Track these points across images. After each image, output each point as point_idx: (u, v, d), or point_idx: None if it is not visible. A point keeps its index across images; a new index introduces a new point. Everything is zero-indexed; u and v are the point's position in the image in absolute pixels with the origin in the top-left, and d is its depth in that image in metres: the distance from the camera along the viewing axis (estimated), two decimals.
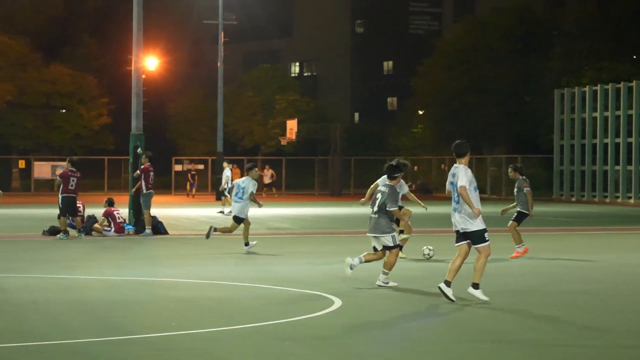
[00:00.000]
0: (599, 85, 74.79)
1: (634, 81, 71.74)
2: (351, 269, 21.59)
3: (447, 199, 20.17)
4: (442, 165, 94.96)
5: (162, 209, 49.17)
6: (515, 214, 28.52)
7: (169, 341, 15.44)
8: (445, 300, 19.03)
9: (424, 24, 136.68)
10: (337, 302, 19.27)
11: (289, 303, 19.57)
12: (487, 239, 19.39)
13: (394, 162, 23.30)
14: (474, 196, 19.38)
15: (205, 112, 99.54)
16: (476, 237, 19.40)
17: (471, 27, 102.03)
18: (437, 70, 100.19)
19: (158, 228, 37.69)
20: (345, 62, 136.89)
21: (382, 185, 22.46)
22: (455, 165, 19.60)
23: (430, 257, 27.20)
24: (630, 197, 70.03)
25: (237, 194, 29.76)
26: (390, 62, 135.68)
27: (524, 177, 28.86)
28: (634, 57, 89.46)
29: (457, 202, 19.33)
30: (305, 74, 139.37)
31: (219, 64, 75.52)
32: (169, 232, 38.19)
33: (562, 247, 32.96)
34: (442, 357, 14.36)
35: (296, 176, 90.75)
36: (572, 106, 76.45)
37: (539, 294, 21.24)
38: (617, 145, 71.86)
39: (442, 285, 19.24)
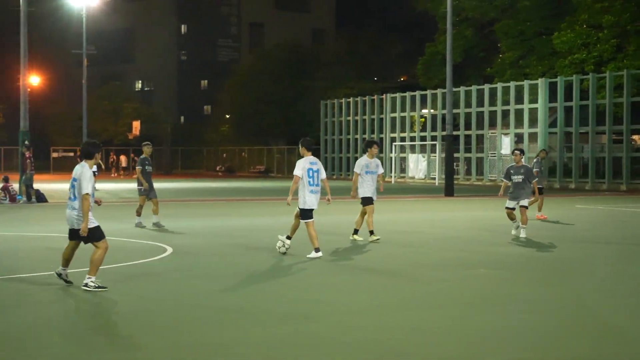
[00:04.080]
0: (351, 98, 75.04)
1: (375, 95, 72.13)
2: None
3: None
4: (243, 154, 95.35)
5: (44, 184, 47.74)
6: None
7: (44, 278, 13.96)
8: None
9: (228, 54, 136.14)
10: (169, 250, 18.15)
11: (133, 251, 18.26)
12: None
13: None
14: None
15: (73, 115, 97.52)
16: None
17: (260, 57, 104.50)
18: (236, 87, 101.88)
19: (41, 198, 36.37)
20: (174, 81, 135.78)
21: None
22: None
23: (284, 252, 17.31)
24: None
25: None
26: (206, 81, 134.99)
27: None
28: (375, 78, 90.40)
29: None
30: (146, 89, 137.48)
31: (83, 81, 73.25)
32: (48, 200, 36.68)
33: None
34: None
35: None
36: (332, 112, 76.51)
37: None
38: (364, 140, 72.15)
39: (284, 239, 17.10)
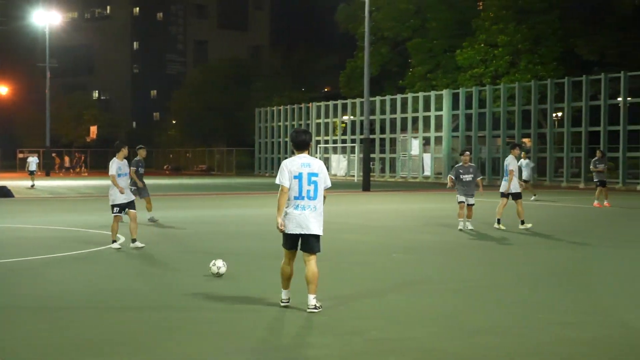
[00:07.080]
0: (281, 106, 75.25)
1: (303, 104, 72.35)
2: None
3: None
4: (187, 154, 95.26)
5: (13, 182, 46.87)
6: None
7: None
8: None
9: (176, 67, 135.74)
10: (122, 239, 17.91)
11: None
12: None
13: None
14: None
15: (39, 121, 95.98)
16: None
17: (204, 70, 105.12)
18: (183, 96, 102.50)
19: (7, 193, 35.70)
20: (127, 90, 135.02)
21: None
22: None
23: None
24: None
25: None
26: (155, 91, 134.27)
27: None
28: (303, 89, 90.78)
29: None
30: (102, 98, 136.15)
31: (47, 92, 72.56)
32: (15, 195, 36.17)
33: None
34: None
35: (97, 160, 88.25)
36: (266, 118, 76.67)
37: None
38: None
39: None
